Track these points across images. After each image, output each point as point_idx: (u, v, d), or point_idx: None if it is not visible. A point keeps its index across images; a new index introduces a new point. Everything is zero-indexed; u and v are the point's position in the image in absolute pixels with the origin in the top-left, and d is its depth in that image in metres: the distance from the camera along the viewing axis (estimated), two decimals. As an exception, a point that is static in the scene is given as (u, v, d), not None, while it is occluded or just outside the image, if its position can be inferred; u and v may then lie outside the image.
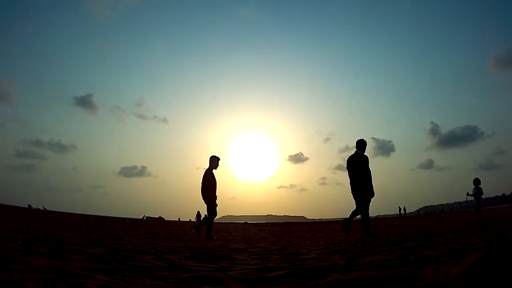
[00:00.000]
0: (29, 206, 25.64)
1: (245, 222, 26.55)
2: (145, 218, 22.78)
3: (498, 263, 1.50)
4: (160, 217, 25.36)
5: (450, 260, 2.24)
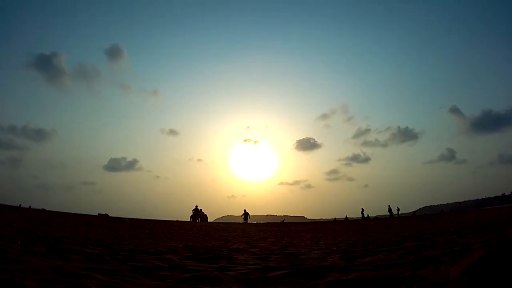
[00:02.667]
0: (20, 205, 25.61)
1: (245, 222, 26.53)
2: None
3: (498, 263, 1.50)
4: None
5: (450, 260, 2.25)
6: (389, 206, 34.19)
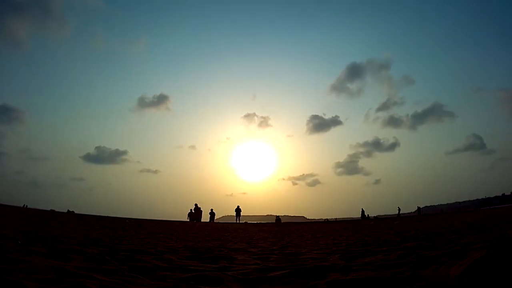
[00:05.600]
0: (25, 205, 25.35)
1: (245, 222, 26.50)
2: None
3: (498, 263, 1.50)
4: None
5: (450, 260, 2.25)
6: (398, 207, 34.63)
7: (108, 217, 18.91)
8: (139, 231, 9.13)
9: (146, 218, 21.20)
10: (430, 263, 2.35)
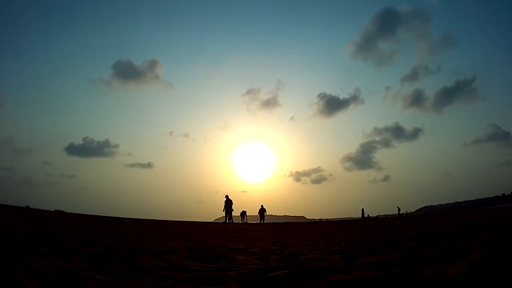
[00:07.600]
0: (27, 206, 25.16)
1: (245, 222, 26.50)
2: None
3: (498, 263, 1.50)
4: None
5: (450, 260, 2.25)
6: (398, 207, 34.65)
7: (108, 217, 18.90)
8: (139, 231, 9.13)
9: (145, 218, 21.22)
10: (430, 263, 2.35)
